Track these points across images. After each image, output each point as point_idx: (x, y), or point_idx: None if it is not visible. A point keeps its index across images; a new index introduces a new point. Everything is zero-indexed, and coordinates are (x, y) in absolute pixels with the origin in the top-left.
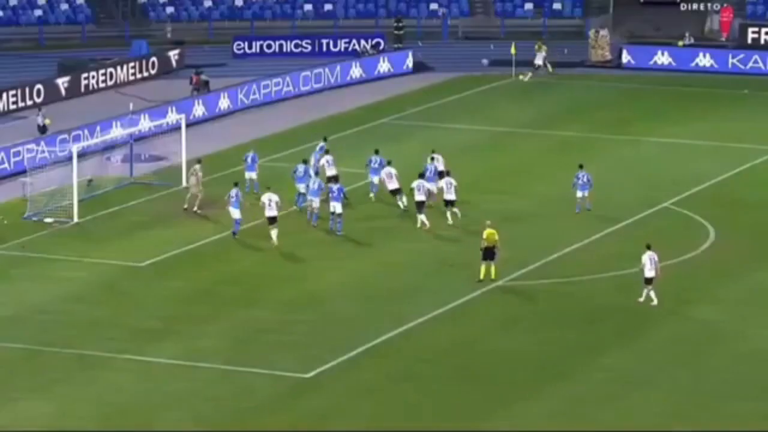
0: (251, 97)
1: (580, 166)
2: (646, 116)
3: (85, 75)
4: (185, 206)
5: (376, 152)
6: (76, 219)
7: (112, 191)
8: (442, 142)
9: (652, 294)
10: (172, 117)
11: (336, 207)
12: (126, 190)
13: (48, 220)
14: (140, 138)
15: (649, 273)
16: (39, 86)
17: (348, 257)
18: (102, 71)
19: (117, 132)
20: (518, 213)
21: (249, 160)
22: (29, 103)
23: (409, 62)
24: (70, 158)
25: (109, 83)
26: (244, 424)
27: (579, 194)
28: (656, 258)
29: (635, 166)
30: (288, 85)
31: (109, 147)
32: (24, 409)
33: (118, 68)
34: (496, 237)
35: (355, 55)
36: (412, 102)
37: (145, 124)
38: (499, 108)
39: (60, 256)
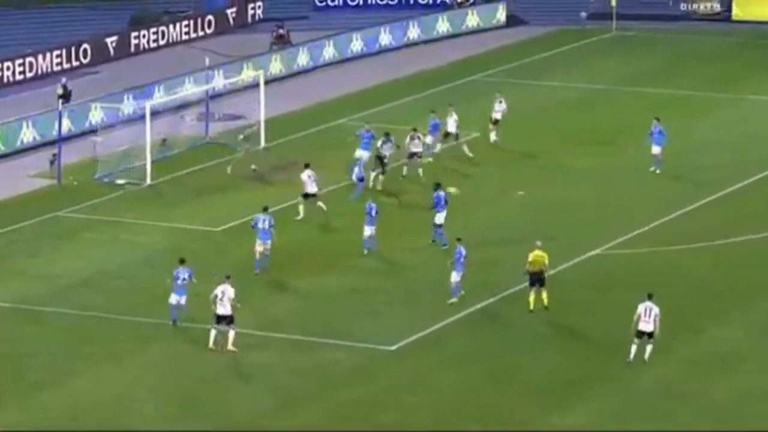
0: (333, 52)
1: (656, 119)
2: (754, 73)
3: (155, 30)
4: (253, 167)
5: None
6: (149, 181)
7: (186, 151)
8: (535, 100)
9: (648, 348)
10: (250, 73)
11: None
12: (201, 150)
13: (120, 181)
14: (216, 95)
15: (646, 326)
16: (110, 39)
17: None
18: (174, 25)
19: (191, 89)
20: (612, 174)
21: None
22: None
23: (501, 15)
24: (142, 117)
25: (181, 38)
26: (326, 397)
27: (655, 150)
28: (657, 311)
29: (741, 126)
30: (372, 40)
31: (183, 105)
32: (97, 376)
33: (191, 22)
34: (546, 261)
35: (443, 7)
36: (504, 58)
37: (220, 80)
38: (598, 64)
39: (133, 220)
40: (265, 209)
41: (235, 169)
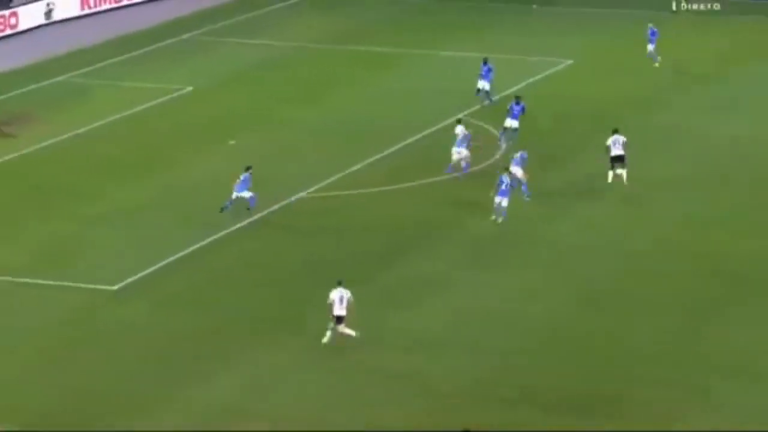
0: (50, 13)
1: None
2: (439, 31)
3: None
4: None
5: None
6: None
7: None
8: (243, 58)
9: (348, 330)
10: None
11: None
12: None
13: None
14: None
15: (339, 311)
16: None
17: (157, 172)
18: None
19: None
20: (318, 127)
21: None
22: None
23: None
24: None
25: None
26: (49, 337)
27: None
28: (348, 296)
29: (428, 79)
30: (71, 6)
31: None
32: None
33: None
34: None
35: None
36: (213, 18)
37: None
38: (298, 24)
39: None
40: (248, 169)
41: None
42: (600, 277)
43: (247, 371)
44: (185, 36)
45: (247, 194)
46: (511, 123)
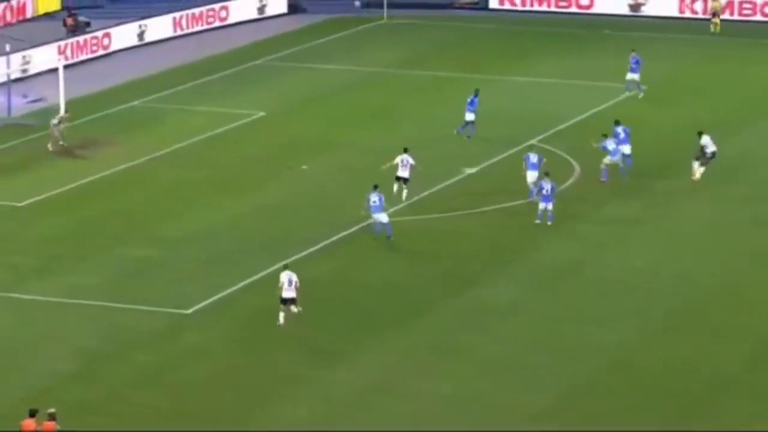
0: (128, 38)
1: (617, 122)
2: (511, 56)
3: None
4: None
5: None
6: None
7: None
8: (316, 82)
9: (293, 308)
10: (50, 58)
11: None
12: (3, 130)
13: None
14: (17, 79)
15: (288, 293)
16: None
17: (230, 197)
18: None
19: None
20: (390, 150)
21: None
22: None
23: (283, 3)
24: None
25: None
26: (123, 360)
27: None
28: (296, 279)
29: (501, 104)
30: (163, 27)
31: None
32: None
33: None
34: None
35: None
36: (287, 43)
37: (20, 65)
38: (371, 48)
39: None
40: (375, 187)
41: (54, 145)
42: (676, 302)
43: (320, 394)
44: (258, 61)
45: (384, 218)
46: (623, 148)
